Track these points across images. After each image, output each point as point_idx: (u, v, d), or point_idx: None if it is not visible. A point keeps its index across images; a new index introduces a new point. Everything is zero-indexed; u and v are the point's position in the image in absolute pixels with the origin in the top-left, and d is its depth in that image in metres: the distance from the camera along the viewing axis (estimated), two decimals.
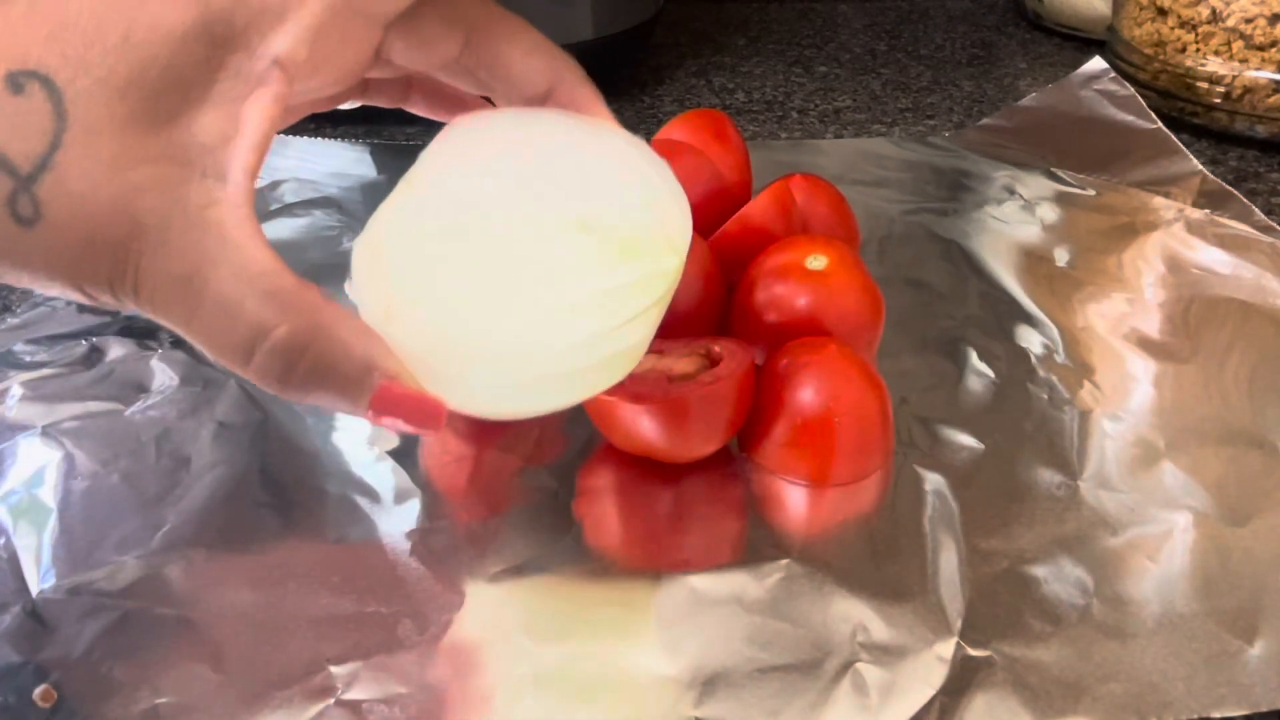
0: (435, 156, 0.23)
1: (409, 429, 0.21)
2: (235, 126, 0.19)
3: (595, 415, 0.29)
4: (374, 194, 0.46)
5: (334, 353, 0.20)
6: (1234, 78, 0.49)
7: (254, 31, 0.19)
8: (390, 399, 0.20)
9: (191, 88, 0.19)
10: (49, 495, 0.28)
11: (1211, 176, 0.45)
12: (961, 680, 0.22)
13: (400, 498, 0.28)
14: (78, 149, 0.18)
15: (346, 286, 0.24)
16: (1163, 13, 0.52)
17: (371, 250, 0.22)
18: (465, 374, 0.22)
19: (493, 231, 0.22)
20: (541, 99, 0.24)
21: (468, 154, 0.23)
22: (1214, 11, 0.49)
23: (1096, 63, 0.52)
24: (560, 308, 0.21)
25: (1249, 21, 0.48)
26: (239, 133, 0.19)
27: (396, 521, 0.27)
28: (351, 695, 0.22)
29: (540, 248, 0.22)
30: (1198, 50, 0.50)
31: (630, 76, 0.61)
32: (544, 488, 0.29)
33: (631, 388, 0.28)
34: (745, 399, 0.29)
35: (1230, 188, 0.44)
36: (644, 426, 0.28)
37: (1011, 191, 0.46)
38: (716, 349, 0.30)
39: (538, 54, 0.24)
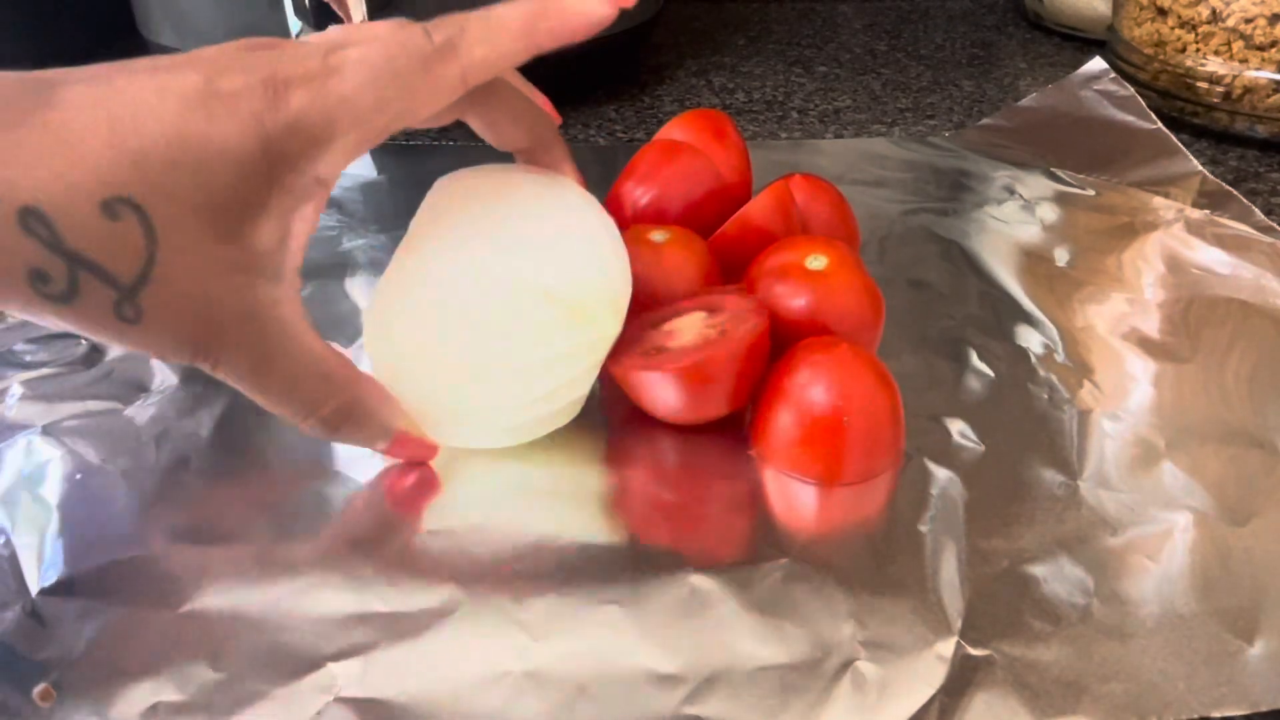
0: (422, 225, 0.28)
1: (409, 461, 0.29)
2: (287, 232, 0.23)
3: (622, 383, 0.30)
4: (373, 194, 0.46)
5: (365, 415, 0.26)
6: (1234, 78, 0.49)
7: (303, 156, 0.22)
8: (400, 443, 0.28)
9: (252, 203, 0.22)
10: (49, 494, 0.28)
11: (1211, 177, 0.45)
12: (961, 679, 0.22)
13: (400, 498, 0.28)
14: (167, 263, 0.21)
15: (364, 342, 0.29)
16: (1163, 13, 0.52)
17: (377, 319, 0.28)
18: (453, 421, 0.29)
19: (469, 304, 0.27)
20: (524, 152, 0.30)
21: (449, 225, 0.28)
22: (1214, 11, 0.49)
23: (1096, 63, 0.52)
24: (523, 370, 0.27)
25: (1249, 21, 0.48)
26: (289, 236, 0.23)
27: (396, 521, 0.27)
28: (351, 693, 0.22)
29: (508, 317, 0.27)
30: (1198, 50, 0.50)
31: (630, 76, 0.61)
32: (545, 487, 0.29)
33: (640, 357, 0.29)
34: (758, 356, 0.29)
35: (1230, 188, 0.44)
36: (658, 395, 0.29)
37: (1011, 191, 0.46)
38: (723, 308, 0.30)
39: (523, 119, 0.28)
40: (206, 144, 0.21)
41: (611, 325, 0.28)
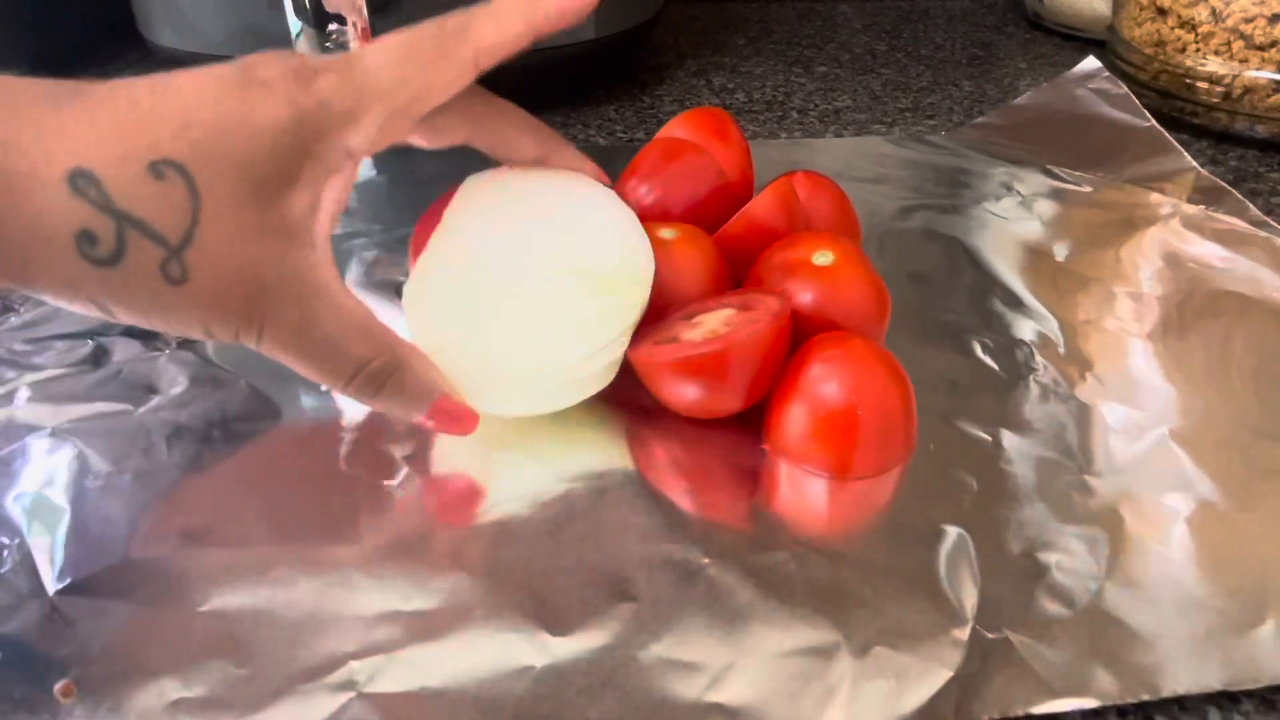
0: (456, 214, 0.30)
1: (451, 432, 0.28)
2: (319, 202, 0.24)
3: (639, 371, 0.31)
4: (373, 193, 0.46)
5: (408, 377, 0.26)
6: (1234, 78, 0.49)
7: (333, 129, 0.24)
8: (440, 410, 0.27)
9: (287, 173, 0.23)
10: (61, 495, 0.28)
11: (1205, 173, 0.46)
12: (978, 662, 0.23)
13: (416, 496, 0.28)
14: (210, 224, 0.22)
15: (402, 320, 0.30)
16: (1163, 13, 0.52)
17: (417, 294, 0.29)
18: (492, 386, 0.29)
19: (506, 278, 0.29)
20: (535, 163, 0.31)
21: (482, 211, 0.30)
22: (1214, 11, 0.49)
23: (1090, 62, 0.53)
24: (557, 335, 0.28)
25: (1249, 21, 0.48)
26: (321, 208, 0.24)
27: (413, 519, 0.28)
28: (373, 689, 0.22)
29: (541, 289, 0.29)
30: (1198, 50, 0.50)
31: (630, 76, 0.62)
32: (563, 482, 0.29)
33: (656, 350, 0.30)
34: (773, 355, 0.30)
35: (1224, 183, 0.45)
36: (674, 385, 0.30)
37: (1009, 188, 0.47)
38: (755, 306, 0.30)
39: (529, 132, 0.30)
40: (245, 117, 0.22)
41: (637, 294, 0.30)
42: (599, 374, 0.30)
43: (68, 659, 0.23)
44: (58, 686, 0.22)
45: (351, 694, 0.22)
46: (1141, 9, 0.54)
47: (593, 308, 0.29)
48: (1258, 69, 0.49)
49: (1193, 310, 0.37)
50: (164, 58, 0.55)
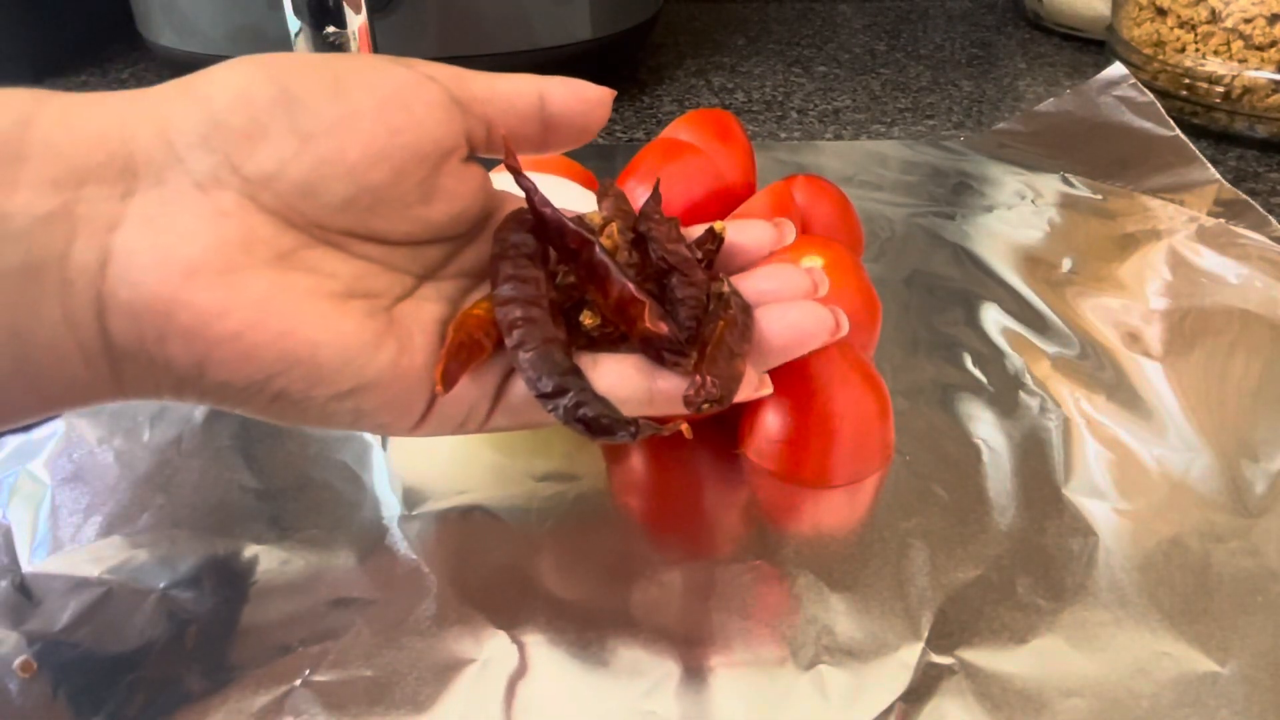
0: None
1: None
2: None
3: None
4: None
5: None
6: (1233, 78, 0.48)
7: None
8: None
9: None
10: (44, 472, 0.29)
11: (1228, 185, 0.44)
12: (923, 687, 0.22)
13: (383, 485, 0.29)
14: None
15: None
16: (1162, 13, 0.51)
17: None
18: None
19: None
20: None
21: None
22: (1213, 11, 0.49)
23: (1116, 69, 0.51)
24: None
25: (1248, 21, 0.47)
26: None
27: (378, 508, 0.28)
28: (319, 677, 0.23)
29: None
30: (1197, 50, 0.49)
31: (630, 76, 0.62)
32: (529, 482, 0.29)
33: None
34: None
35: (1246, 197, 0.43)
36: None
37: (1022, 196, 0.46)
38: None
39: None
40: None
41: None
42: None
43: (32, 635, 0.24)
44: (17, 662, 0.23)
45: (297, 681, 0.23)
46: (1141, 9, 0.53)
47: None
48: (1257, 69, 0.48)
49: (1196, 326, 0.35)
50: (164, 58, 0.56)
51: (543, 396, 0.21)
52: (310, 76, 0.21)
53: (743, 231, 0.27)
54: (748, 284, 0.25)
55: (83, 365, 0.19)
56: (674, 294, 0.24)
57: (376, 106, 0.21)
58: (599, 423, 0.21)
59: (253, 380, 0.20)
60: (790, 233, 0.27)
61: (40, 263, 0.18)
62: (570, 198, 0.31)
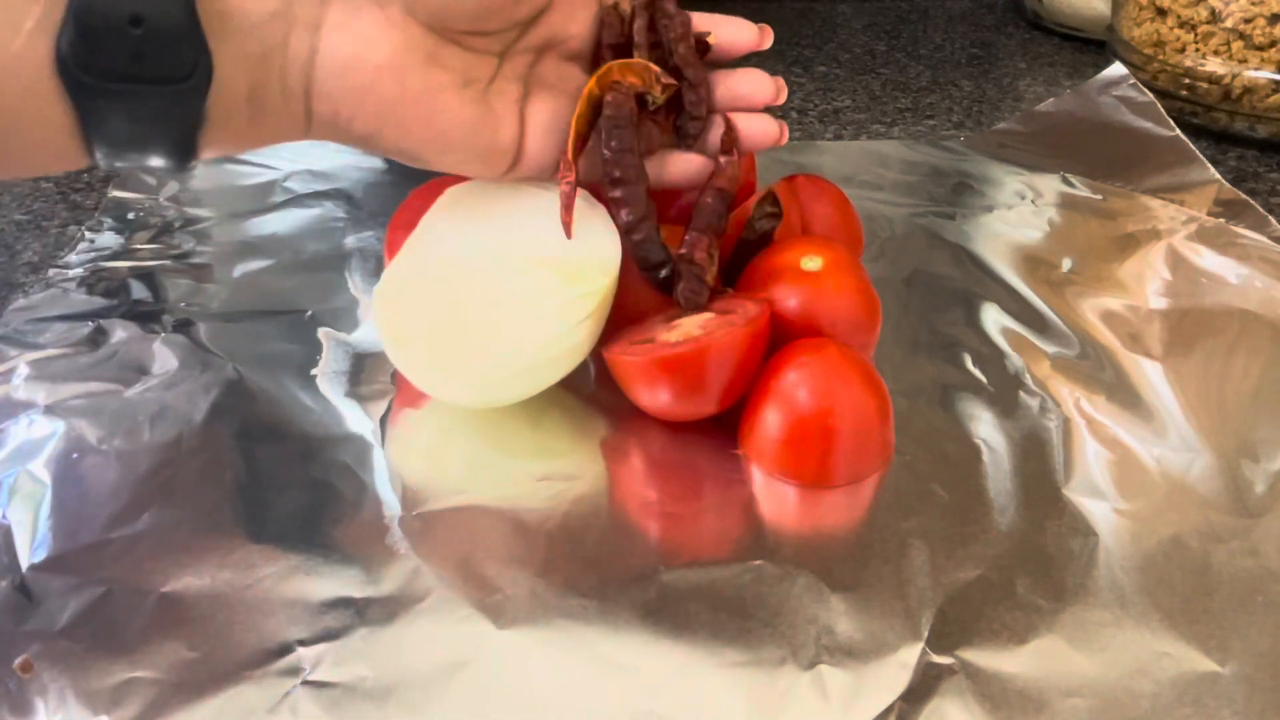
0: (431, 222, 0.32)
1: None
2: None
3: (613, 371, 0.31)
4: (380, 190, 0.46)
5: None
6: (1233, 78, 0.49)
7: None
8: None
9: None
10: (46, 471, 0.29)
11: (1228, 185, 0.44)
12: (923, 687, 0.22)
13: (383, 485, 0.29)
14: None
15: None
16: (1162, 13, 0.51)
17: (387, 293, 0.30)
18: (461, 371, 0.29)
19: (474, 271, 0.30)
20: None
21: (455, 215, 0.32)
22: (1213, 11, 0.49)
23: (1116, 69, 0.51)
24: (526, 319, 0.29)
25: (1248, 21, 0.47)
26: None
27: (378, 508, 0.28)
28: (318, 676, 0.23)
29: (509, 279, 0.30)
30: (1197, 50, 0.50)
31: None
32: (530, 482, 0.29)
33: (629, 349, 0.30)
34: (748, 359, 0.29)
35: (1246, 197, 0.43)
36: (648, 386, 0.30)
37: (1022, 196, 0.46)
38: (735, 310, 0.30)
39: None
40: None
41: (600, 281, 0.30)
42: (565, 355, 0.30)
43: (32, 635, 0.24)
44: (17, 662, 0.23)
45: (296, 680, 0.23)
46: (1141, 9, 0.53)
47: (559, 295, 0.29)
48: (1257, 69, 0.48)
49: (1196, 326, 0.35)
50: None
51: (647, 269, 0.31)
52: None
53: (725, 28, 0.33)
54: (727, 82, 0.33)
55: (288, 122, 0.27)
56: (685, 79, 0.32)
57: None
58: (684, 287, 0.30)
59: (408, 145, 0.28)
60: (768, 37, 0.33)
61: (270, 49, 0.25)
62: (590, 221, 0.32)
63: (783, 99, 0.33)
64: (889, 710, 0.22)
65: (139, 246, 0.41)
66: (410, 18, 0.27)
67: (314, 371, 0.33)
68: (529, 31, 0.31)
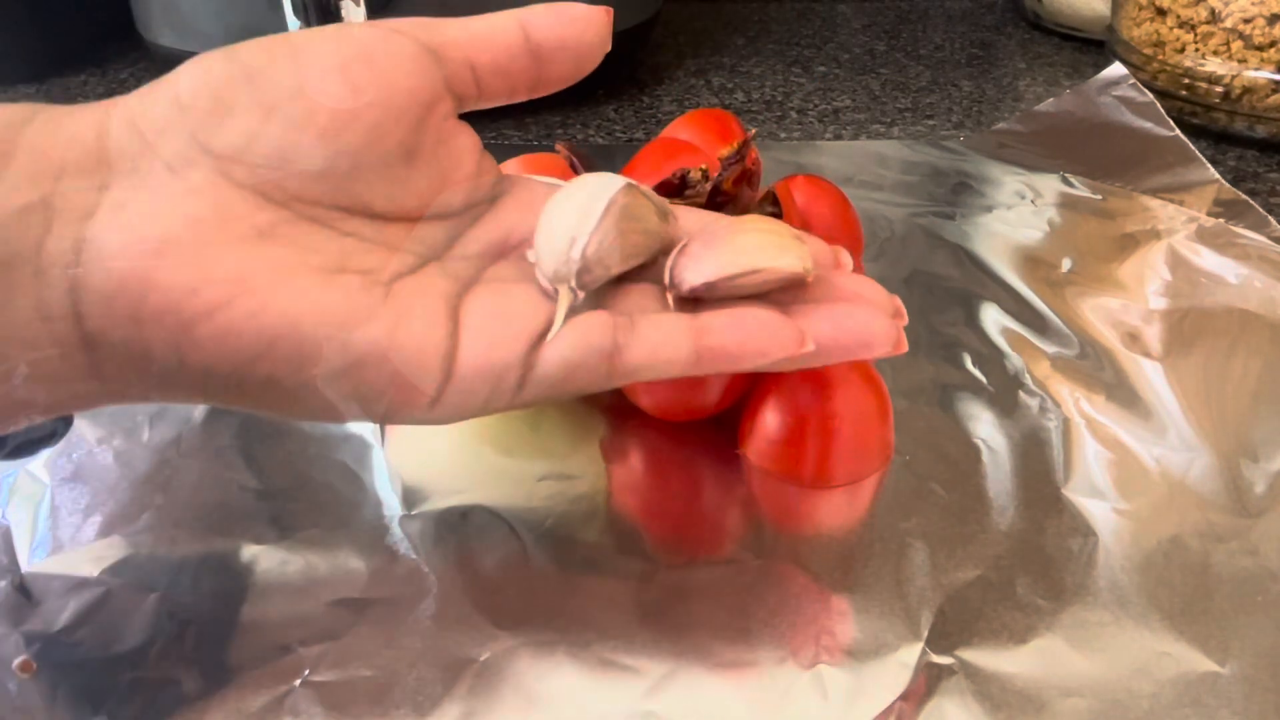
0: None
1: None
2: None
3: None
4: None
5: None
6: (1233, 78, 0.48)
7: None
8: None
9: None
10: (45, 472, 0.29)
11: (1228, 185, 0.44)
12: (923, 687, 0.22)
13: (383, 485, 0.29)
14: None
15: None
16: (1162, 13, 0.51)
17: None
18: None
19: None
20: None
21: None
22: (1213, 12, 0.48)
23: (1116, 69, 0.51)
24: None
25: (1248, 21, 0.47)
26: None
27: (378, 508, 0.28)
28: (319, 677, 0.23)
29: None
30: (1197, 50, 0.49)
31: (629, 76, 0.61)
32: (528, 482, 0.29)
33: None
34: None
35: (1246, 197, 0.43)
36: (644, 387, 0.30)
37: (1021, 196, 0.46)
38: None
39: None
40: None
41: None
42: None
43: (31, 635, 0.24)
44: (17, 662, 0.23)
45: (296, 681, 0.23)
46: (1140, 9, 0.53)
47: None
48: (1257, 69, 0.48)
49: (1196, 326, 0.35)
50: (163, 58, 0.56)
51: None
52: (269, 51, 0.21)
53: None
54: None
55: (60, 359, 0.19)
56: None
57: (339, 67, 0.20)
58: None
59: (236, 364, 0.19)
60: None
61: (15, 254, 0.18)
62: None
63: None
64: (889, 710, 0.22)
65: None
66: (224, 182, 0.19)
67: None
68: (471, 231, 0.22)
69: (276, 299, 0.19)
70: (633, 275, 0.22)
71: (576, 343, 0.20)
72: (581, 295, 0.21)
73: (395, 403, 0.20)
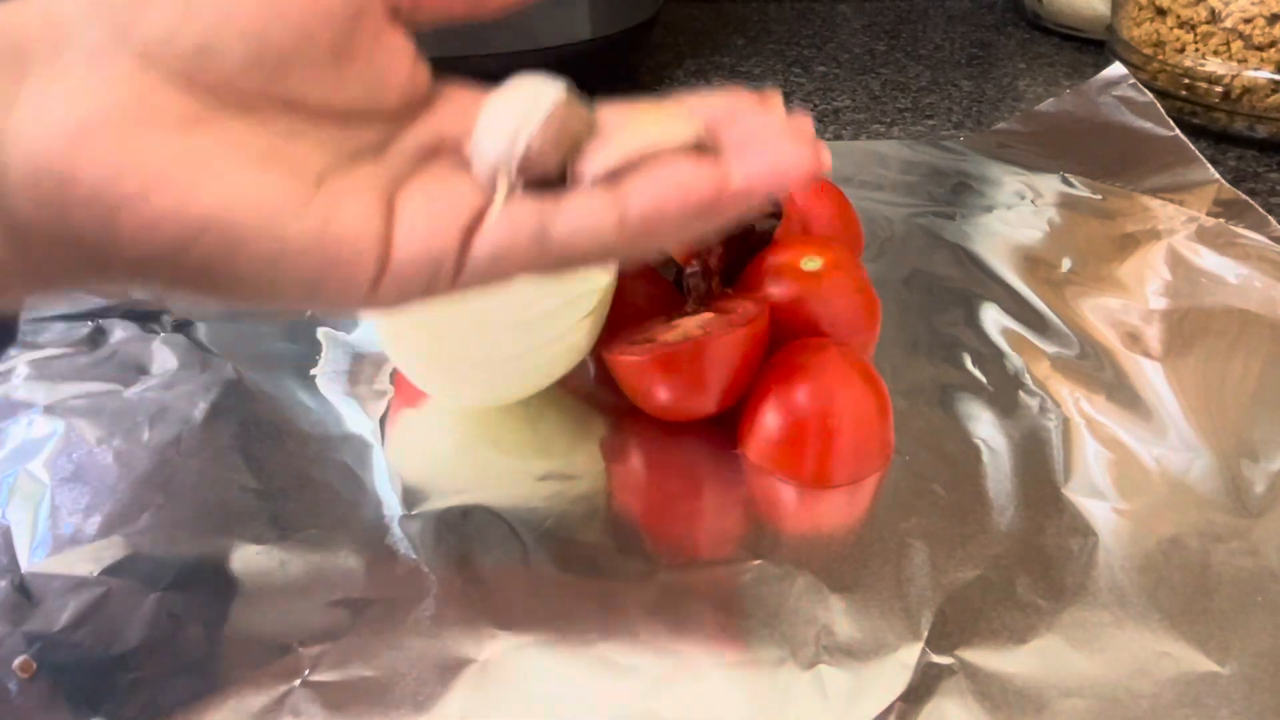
0: None
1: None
2: None
3: (612, 370, 0.31)
4: None
5: None
6: (1233, 78, 0.49)
7: None
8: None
9: None
10: (45, 471, 0.29)
11: (1228, 185, 0.44)
12: (922, 687, 0.22)
13: (383, 485, 0.29)
14: None
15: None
16: (1162, 13, 0.51)
17: None
18: (460, 371, 0.30)
19: None
20: None
21: None
22: (1213, 11, 0.49)
23: (1116, 69, 0.51)
24: (525, 318, 0.29)
25: (1248, 21, 0.47)
26: None
27: (378, 508, 0.28)
28: (318, 677, 0.23)
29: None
30: (1197, 50, 0.50)
31: (629, 76, 0.62)
32: (529, 482, 0.29)
33: (628, 348, 0.30)
34: (747, 358, 0.29)
35: (1246, 197, 0.43)
36: (647, 385, 0.30)
37: (1022, 196, 0.46)
38: (735, 310, 0.30)
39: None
40: None
41: (599, 280, 0.30)
42: (560, 359, 0.30)
43: (32, 635, 0.24)
44: (17, 662, 0.23)
45: (296, 681, 0.23)
46: (1140, 9, 0.53)
47: (558, 294, 0.29)
48: (1257, 69, 0.48)
49: (1196, 326, 0.35)
50: None
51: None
52: None
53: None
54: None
55: None
56: None
57: None
58: None
59: (166, 253, 0.18)
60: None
61: None
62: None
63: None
64: (889, 710, 0.22)
65: None
66: (149, 68, 0.19)
67: (313, 371, 0.33)
68: (403, 133, 0.22)
69: (205, 187, 0.18)
70: (555, 184, 0.22)
71: (506, 225, 0.20)
72: (520, 186, 0.21)
73: (332, 291, 0.19)
